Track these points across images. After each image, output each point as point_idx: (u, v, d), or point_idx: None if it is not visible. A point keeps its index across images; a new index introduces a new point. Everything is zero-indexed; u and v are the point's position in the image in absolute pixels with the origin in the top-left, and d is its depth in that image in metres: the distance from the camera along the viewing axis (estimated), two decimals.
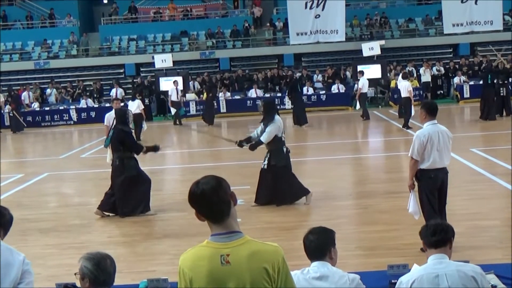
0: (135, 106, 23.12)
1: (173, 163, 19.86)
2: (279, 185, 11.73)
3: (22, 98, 34.05)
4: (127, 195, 11.77)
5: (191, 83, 34.62)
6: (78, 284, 4.58)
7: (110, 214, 12.00)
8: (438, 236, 4.75)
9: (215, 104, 30.04)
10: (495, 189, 12.68)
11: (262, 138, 11.57)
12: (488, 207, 11.24)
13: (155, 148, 12.34)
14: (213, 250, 3.46)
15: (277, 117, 11.69)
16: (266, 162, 11.80)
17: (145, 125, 23.57)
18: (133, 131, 12.93)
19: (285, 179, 11.72)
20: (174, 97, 29.27)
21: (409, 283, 4.66)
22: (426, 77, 32.94)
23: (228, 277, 3.43)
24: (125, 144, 11.82)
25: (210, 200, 3.48)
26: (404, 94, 22.98)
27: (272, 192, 11.88)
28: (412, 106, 22.61)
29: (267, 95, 32.73)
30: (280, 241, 9.31)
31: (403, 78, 24.30)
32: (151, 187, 12.09)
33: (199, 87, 34.47)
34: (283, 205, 11.75)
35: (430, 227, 4.85)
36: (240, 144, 12.23)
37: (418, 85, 31.45)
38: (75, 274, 4.49)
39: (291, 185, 11.80)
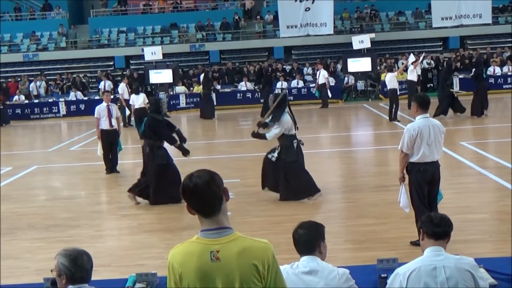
0: (140, 100, 22.37)
1: None
2: (288, 180, 11.59)
3: (30, 89, 34.39)
4: (160, 184, 11.91)
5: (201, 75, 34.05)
6: None
7: (141, 202, 12.21)
8: (442, 228, 4.72)
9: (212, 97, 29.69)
10: (484, 183, 12.70)
11: (268, 136, 11.48)
12: (477, 200, 11.27)
13: (185, 152, 12.31)
14: (202, 246, 3.43)
15: (286, 117, 11.40)
16: (275, 154, 11.63)
17: None
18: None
19: (295, 174, 11.58)
20: (126, 96, 26.80)
21: (406, 275, 4.62)
22: (413, 74, 32.91)
23: (217, 274, 3.40)
24: (156, 132, 11.91)
25: (203, 194, 3.43)
26: (389, 86, 23.08)
27: (278, 183, 11.74)
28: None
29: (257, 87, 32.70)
30: (269, 235, 9.29)
31: (388, 70, 24.46)
32: (180, 178, 12.04)
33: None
34: (287, 201, 11.59)
35: (435, 217, 4.80)
36: (263, 125, 11.89)
37: (407, 78, 31.40)
38: (51, 271, 4.42)
39: (300, 181, 11.63)
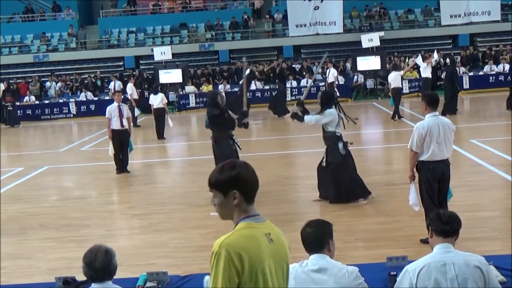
0: (158, 100, 22.11)
1: (173, 155, 19.87)
2: (336, 183, 11.29)
3: (56, 88, 35.20)
4: None
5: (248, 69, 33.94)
6: (77, 278, 4.75)
7: None
8: (451, 225, 4.73)
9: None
10: (494, 180, 12.67)
11: (306, 118, 11.19)
12: (488, 198, 11.25)
13: (244, 122, 12.24)
14: (257, 230, 3.49)
15: (330, 110, 11.25)
16: (324, 160, 11.44)
17: (170, 122, 22.06)
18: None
19: (342, 177, 11.27)
20: (135, 95, 27.50)
21: (416, 271, 4.62)
22: (427, 71, 32.84)
23: (275, 255, 3.51)
24: (216, 124, 11.96)
25: (255, 181, 3.58)
26: (393, 85, 23.07)
27: (330, 188, 11.47)
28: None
29: (267, 87, 32.69)
30: None
31: (393, 69, 24.50)
32: None
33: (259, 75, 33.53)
34: (338, 203, 11.27)
35: (444, 215, 4.81)
36: (299, 103, 11.68)
37: (417, 77, 31.35)
38: None
39: (348, 183, 11.33)
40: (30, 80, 36.21)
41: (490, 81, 31.43)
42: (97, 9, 43.70)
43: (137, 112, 26.84)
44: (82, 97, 33.42)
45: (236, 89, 32.30)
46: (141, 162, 17.67)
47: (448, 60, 23.16)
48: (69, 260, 8.84)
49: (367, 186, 11.49)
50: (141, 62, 38.44)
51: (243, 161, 3.61)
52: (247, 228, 3.46)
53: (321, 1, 33.63)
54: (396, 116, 22.89)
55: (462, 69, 32.37)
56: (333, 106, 11.38)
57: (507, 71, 31.34)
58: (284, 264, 3.59)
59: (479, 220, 9.66)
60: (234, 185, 3.49)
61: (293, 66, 35.73)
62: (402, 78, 25.64)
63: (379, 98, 32.01)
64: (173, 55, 33.39)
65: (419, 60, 25.89)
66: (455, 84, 23.66)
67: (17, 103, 32.13)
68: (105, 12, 42.50)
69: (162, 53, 32.59)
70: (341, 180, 11.30)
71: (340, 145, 11.30)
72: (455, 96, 23.74)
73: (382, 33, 33.23)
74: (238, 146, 12.14)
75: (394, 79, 22.96)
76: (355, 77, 33.48)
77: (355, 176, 11.44)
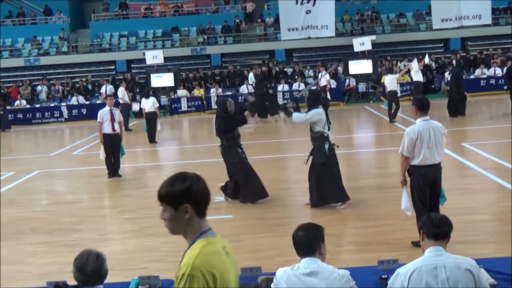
0: (149, 104, 22.01)
1: (165, 159, 19.86)
2: (318, 185, 11.24)
3: (53, 92, 35.10)
4: (241, 182, 12.09)
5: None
6: (69, 282, 4.76)
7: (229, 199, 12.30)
8: (441, 228, 4.75)
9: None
10: (486, 184, 12.72)
11: (294, 114, 11.12)
12: (479, 201, 11.29)
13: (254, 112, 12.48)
14: (217, 245, 3.41)
15: (318, 110, 11.11)
16: (307, 158, 11.45)
17: (159, 126, 22.14)
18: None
19: (323, 178, 11.21)
20: (127, 99, 27.48)
21: (407, 274, 4.65)
22: (418, 75, 32.95)
23: (232, 266, 3.48)
24: (228, 131, 12.02)
25: (209, 193, 3.47)
26: (389, 88, 23.15)
27: (312, 191, 11.43)
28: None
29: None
30: (272, 237, 9.34)
31: (388, 72, 24.63)
32: (249, 179, 12.10)
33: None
34: (318, 207, 11.28)
35: (435, 218, 4.83)
36: (293, 99, 12.00)
37: (409, 80, 31.41)
38: None
39: (328, 185, 11.25)
40: (21, 84, 36.09)
41: (481, 84, 31.52)
42: (89, 13, 43.61)
43: (134, 107, 27.00)
44: (73, 101, 33.36)
45: (228, 93, 32.45)
46: (133, 166, 17.65)
47: (454, 61, 23.33)
48: (61, 264, 8.81)
49: (354, 190, 11.52)
50: (133, 66, 38.43)
51: (194, 173, 3.46)
52: (209, 245, 3.36)
53: (313, 5, 33.71)
54: (390, 118, 22.96)
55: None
56: (320, 106, 11.32)
57: (498, 75, 31.46)
58: (237, 273, 3.58)
59: (470, 223, 9.69)
60: (185, 199, 3.36)
61: (285, 70, 35.75)
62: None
63: (371, 101, 32.10)
64: (165, 59, 33.36)
65: (415, 64, 25.99)
66: (460, 86, 23.80)
67: (8, 107, 32.01)
68: (96, 16, 42.45)
69: (154, 57, 32.55)
70: (323, 181, 11.27)
71: (326, 145, 11.26)
72: (462, 98, 23.84)
73: (374, 37, 33.31)
74: (245, 155, 12.24)
75: (389, 82, 23.04)
76: (347, 80, 33.56)
77: (336, 179, 11.35)
